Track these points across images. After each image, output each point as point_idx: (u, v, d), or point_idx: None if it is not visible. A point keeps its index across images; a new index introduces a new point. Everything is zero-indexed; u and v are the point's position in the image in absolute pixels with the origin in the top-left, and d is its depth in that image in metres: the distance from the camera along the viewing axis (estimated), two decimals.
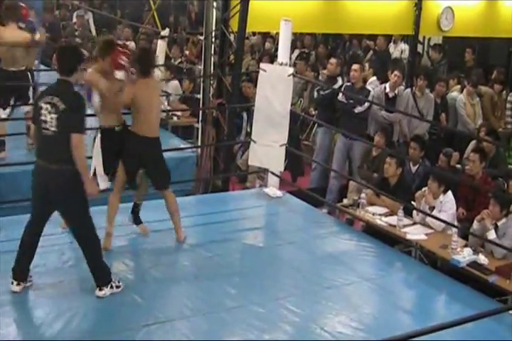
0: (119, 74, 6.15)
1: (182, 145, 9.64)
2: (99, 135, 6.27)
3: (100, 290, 5.49)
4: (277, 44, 9.78)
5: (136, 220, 6.79)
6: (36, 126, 5.30)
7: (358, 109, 9.14)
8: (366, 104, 9.12)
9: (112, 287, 5.54)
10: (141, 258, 6.38)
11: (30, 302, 5.45)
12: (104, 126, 6.28)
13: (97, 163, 6.28)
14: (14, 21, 8.38)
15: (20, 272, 5.51)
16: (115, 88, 6.12)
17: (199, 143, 9.60)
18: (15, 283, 5.47)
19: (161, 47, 11.00)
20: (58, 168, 5.16)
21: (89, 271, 5.48)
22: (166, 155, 8.87)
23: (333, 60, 10.06)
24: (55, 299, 5.48)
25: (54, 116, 5.11)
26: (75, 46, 5.66)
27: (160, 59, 10.82)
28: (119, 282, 5.62)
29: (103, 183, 6.31)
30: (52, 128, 5.14)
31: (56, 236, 6.36)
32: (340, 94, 9.26)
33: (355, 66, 9.41)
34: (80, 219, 5.39)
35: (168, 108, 10.93)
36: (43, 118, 5.16)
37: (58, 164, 5.16)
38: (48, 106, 5.13)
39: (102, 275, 5.54)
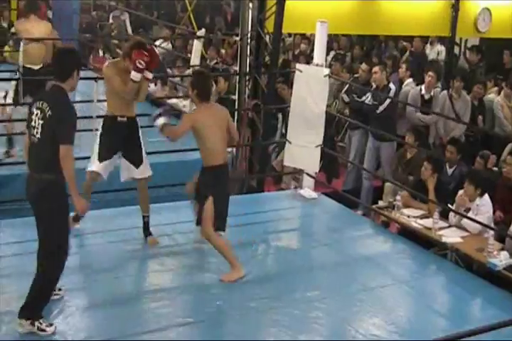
0: (134, 75, 6.12)
1: None
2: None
3: (20, 318, 4.90)
4: (313, 45, 9.76)
5: (145, 232, 6.60)
6: (28, 133, 5.01)
7: (379, 109, 9.12)
8: (386, 103, 9.07)
9: (33, 325, 4.90)
10: (175, 259, 6.38)
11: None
12: (107, 114, 6.34)
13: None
14: (35, 13, 8.53)
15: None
16: (128, 87, 6.14)
17: None
18: None
19: (196, 47, 11.05)
20: (39, 177, 4.85)
21: (27, 295, 4.88)
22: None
23: (364, 66, 10.00)
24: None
25: (41, 122, 4.82)
26: (74, 50, 5.24)
27: (195, 59, 10.88)
28: (48, 326, 4.96)
29: (94, 166, 6.27)
30: (38, 136, 4.85)
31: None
32: (369, 97, 9.25)
33: (375, 68, 9.41)
34: (48, 235, 4.89)
35: None
36: (32, 124, 4.88)
37: (40, 173, 4.85)
38: (38, 111, 4.85)
39: (31, 305, 4.90)
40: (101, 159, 6.31)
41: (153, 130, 6.04)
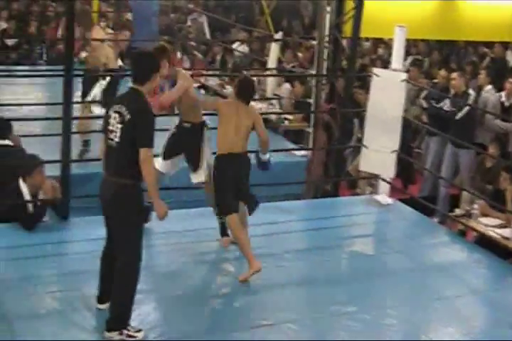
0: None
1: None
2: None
3: (108, 331, 4.94)
4: (390, 50, 9.69)
5: (223, 232, 6.61)
6: (104, 136, 5.01)
7: (458, 115, 8.99)
8: (465, 109, 8.93)
9: (122, 334, 4.92)
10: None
11: None
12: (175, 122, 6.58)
13: None
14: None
15: (103, 295, 5.20)
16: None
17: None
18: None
19: (273, 50, 11.07)
20: (116, 181, 4.85)
21: (110, 305, 4.98)
22: (277, 158, 9.00)
23: (443, 73, 9.85)
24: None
25: (119, 126, 4.82)
26: (151, 53, 5.23)
27: (272, 62, 10.91)
28: (137, 331, 4.98)
29: (156, 163, 6.32)
30: (116, 139, 4.85)
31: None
32: (447, 104, 9.13)
33: (454, 74, 9.27)
34: (125, 242, 4.90)
35: (280, 111, 10.98)
36: (110, 127, 4.89)
37: (117, 177, 4.85)
38: (116, 115, 4.85)
39: (119, 317, 4.93)
40: (164, 157, 6.56)
41: None
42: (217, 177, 6.16)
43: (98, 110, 8.53)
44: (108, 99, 8.39)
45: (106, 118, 4.99)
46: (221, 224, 6.57)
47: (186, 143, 6.52)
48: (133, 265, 4.90)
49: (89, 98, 8.57)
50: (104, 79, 8.58)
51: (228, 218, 6.07)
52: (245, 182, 6.22)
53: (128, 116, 4.79)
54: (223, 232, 6.58)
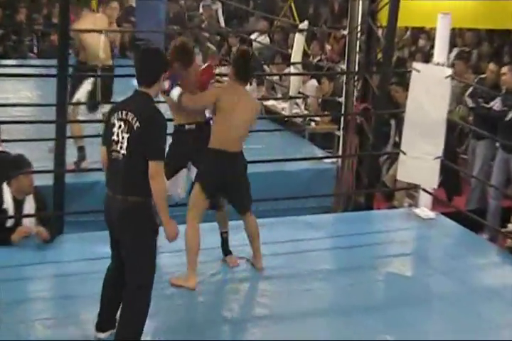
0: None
1: (320, 155, 9.69)
2: None
3: None
4: (433, 41, 9.69)
5: (225, 250, 6.63)
6: (106, 148, 4.97)
7: (508, 116, 8.96)
8: None
9: None
10: (271, 283, 6.42)
11: None
12: (174, 124, 6.44)
13: None
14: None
15: (104, 322, 5.24)
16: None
17: (340, 153, 9.62)
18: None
19: (298, 42, 11.10)
20: (123, 199, 4.83)
21: (116, 333, 5.02)
22: (301, 166, 9.04)
23: (492, 66, 9.84)
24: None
25: (126, 135, 4.79)
26: (159, 50, 5.14)
27: (296, 56, 10.94)
28: None
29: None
30: (122, 151, 4.81)
31: None
32: (498, 103, 9.10)
33: (504, 69, 9.21)
34: (138, 266, 4.92)
35: (305, 112, 11.01)
36: (114, 138, 4.84)
37: (125, 194, 4.83)
38: (121, 123, 4.81)
39: None
40: (168, 176, 6.07)
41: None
42: (203, 170, 6.16)
43: (83, 116, 8.61)
44: (93, 102, 8.48)
45: (107, 127, 4.95)
46: (224, 241, 6.60)
47: (193, 147, 6.34)
48: (146, 290, 4.95)
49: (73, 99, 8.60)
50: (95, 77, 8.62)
51: (191, 213, 6.09)
52: (241, 184, 6.25)
53: (137, 124, 4.76)
54: (226, 250, 6.60)
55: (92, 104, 8.62)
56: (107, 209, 4.97)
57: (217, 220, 6.54)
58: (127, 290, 4.94)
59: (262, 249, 6.58)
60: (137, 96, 4.96)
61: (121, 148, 4.82)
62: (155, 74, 4.93)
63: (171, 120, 6.22)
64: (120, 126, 4.82)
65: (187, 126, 6.38)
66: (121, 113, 4.85)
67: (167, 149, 5.66)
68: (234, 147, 6.13)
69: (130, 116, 4.79)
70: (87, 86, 8.62)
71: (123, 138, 4.81)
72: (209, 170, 6.12)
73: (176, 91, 6.09)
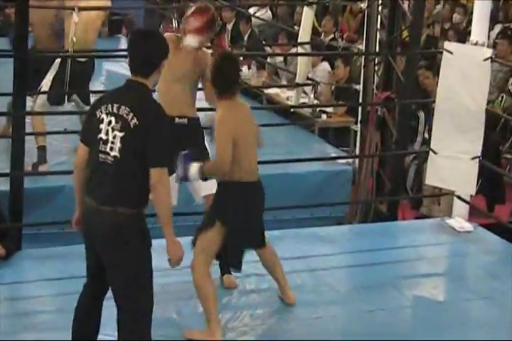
0: (189, 39, 6.33)
1: (333, 155, 9.69)
2: None
3: None
4: (470, 16, 9.71)
5: (223, 269, 6.61)
6: (88, 147, 4.91)
7: None
8: None
9: None
10: (274, 308, 6.40)
11: None
12: None
13: None
14: None
15: None
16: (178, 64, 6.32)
17: (357, 153, 9.62)
18: None
19: (306, 17, 11.12)
20: (112, 212, 4.76)
21: None
22: (310, 167, 9.04)
23: None
24: None
25: (119, 134, 4.74)
26: (157, 32, 5.11)
27: (305, 34, 10.96)
28: None
29: None
30: (113, 153, 4.75)
31: None
32: None
33: None
34: (135, 288, 4.89)
35: (315, 102, 11.01)
36: (102, 136, 4.78)
37: (114, 205, 4.77)
38: (112, 118, 4.76)
39: None
40: None
41: None
42: (234, 214, 5.90)
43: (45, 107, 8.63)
44: (57, 93, 8.49)
45: (92, 122, 4.89)
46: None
47: (186, 145, 6.24)
48: (146, 314, 4.94)
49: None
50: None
51: (201, 257, 5.86)
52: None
53: (134, 121, 4.72)
54: (224, 268, 6.58)
55: (55, 95, 8.64)
56: (88, 222, 4.90)
57: None
58: (122, 319, 4.92)
59: (261, 268, 6.54)
60: (131, 87, 4.91)
61: (111, 149, 4.76)
62: (154, 62, 4.88)
63: None
64: (110, 122, 4.77)
65: (177, 120, 6.40)
66: (112, 106, 4.79)
67: None
68: (258, 176, 6.05)
69: (124, 110, 4.74)
70: (52, 72, 8.65)
71: (115, 137, 4.75)
72: (239, 208, 5.92)
73: (193, 170, 5.82)
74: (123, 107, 4.74)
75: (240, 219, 5.87)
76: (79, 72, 8.76)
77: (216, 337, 5.80)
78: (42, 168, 8.47)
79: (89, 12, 8.79)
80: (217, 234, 5.83)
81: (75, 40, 8.63)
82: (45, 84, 8.67)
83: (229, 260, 6.05)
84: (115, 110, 4.76)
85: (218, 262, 6.50)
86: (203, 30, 6.36)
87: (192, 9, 6.43)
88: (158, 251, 5.25)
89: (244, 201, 5.90)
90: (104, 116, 4.79)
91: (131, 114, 4.71)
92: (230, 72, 5.85)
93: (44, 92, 8.60)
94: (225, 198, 5.90)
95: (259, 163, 7.34)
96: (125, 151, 4.73)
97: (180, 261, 4.95)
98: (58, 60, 8.66)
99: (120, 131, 4.73)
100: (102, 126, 4.78)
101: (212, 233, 5.84)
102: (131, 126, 4.71)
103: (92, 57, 8.98)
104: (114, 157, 4.75)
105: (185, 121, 6.43)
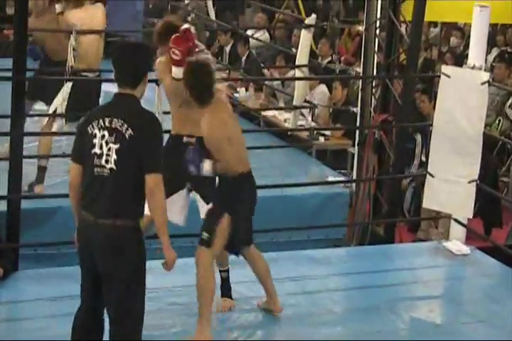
0: (174, 71, 6.32)
1: (331, 178, 9.72)
2: None
3: None
4: (468, 39, 9.76)
5: (224, 290, 6.61)
6: (81, 165, 4.95)
7: None
8: None
9: None
10: (268, 332, 6.43)
11: None
12: (171, 133, 6.51)
13: None
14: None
15: None
16: (173, 88, 6.36)
17: (354, 176, 9.65)
18: None
19: (304, 40, 11.16)
20: (110, 224, 4.82)
21: None
22: (308, 190, 9.06)
23: None
24: None
25: (114, 147, 4.80)
26: (140, 43, 5.23)
27: (302, 56, 10.99)
28: None
29: None
30: (109, 165, 4.81)
31: None
32: None
33: None
34: (129, 304, 4.94)
35: (313, 125, 11.03)
36: (96, 150, 4.84)
37: (112, 218, 4.83)
38: (105, 132, 4.82)
39: None
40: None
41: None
42: (239, 200, 6.10)
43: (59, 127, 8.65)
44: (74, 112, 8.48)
45: (81, 139, 4.95)
46: (224, 280, 6.59)
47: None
48: (138, 326, 4.99)
49: (50, 110, 8.65)
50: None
51: (209, 251, 6.00)
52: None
53: (129, 132, 4.79)
54: (224, 290, 6.60)
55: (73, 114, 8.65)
56: (85, 238, 4.94)
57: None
58: (114, 330, 4.96)
59: (259, 290, 6.59)
60: (121, 99, 4.98)
61: (107, 161, 4.82)
62: (140, 73, 4.96)
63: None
64: (103, 136, 4.83)
65: (185, 139, 6.44)
66: (103, 120, 4.85)
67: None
68: (249, 167, 6.18)
69: (117, 123, 4.82)
70: (66, 90, 8.64)
71: (109, 149, 4.81)
72: (243, 198, 6.11)
73: (207, 166, 5.95)
74: (115, 120, 4.82)
75: (246, 207, 6.09)
76: (91, 89, 8.80)
77: (205, 335, 5.91)
78: (37, 189, 8.50)
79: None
80: (226, 226, 5.98)
81: (72, 63, 8.67)
82: (59, 106, 8.63)
83: (242, 237, 6.14)
84: (107, 124, 4.83)
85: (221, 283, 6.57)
86: (183, 62, 6.26)
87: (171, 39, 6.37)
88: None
89: (247, 190, 6.10)
90: (96, 131, 4.86)
91: (126, 125, 4.79)
92: (207, 80, 5.92)
93: (60, 115, 8.61)
94: (230, 190, 6.05)
95: (258, 187, 7.42)
96: (121, 163, 4.81)
97: (172, 265, 5.00)
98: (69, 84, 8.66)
99: (115, 143, 4.81)
100: (96, 141, 4.86)
101: (222, 226, 5.96)
102: (127, 137, 4.79)
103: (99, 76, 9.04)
104: (111, 169, 4.82)
105: (193, 140, 6.43)
